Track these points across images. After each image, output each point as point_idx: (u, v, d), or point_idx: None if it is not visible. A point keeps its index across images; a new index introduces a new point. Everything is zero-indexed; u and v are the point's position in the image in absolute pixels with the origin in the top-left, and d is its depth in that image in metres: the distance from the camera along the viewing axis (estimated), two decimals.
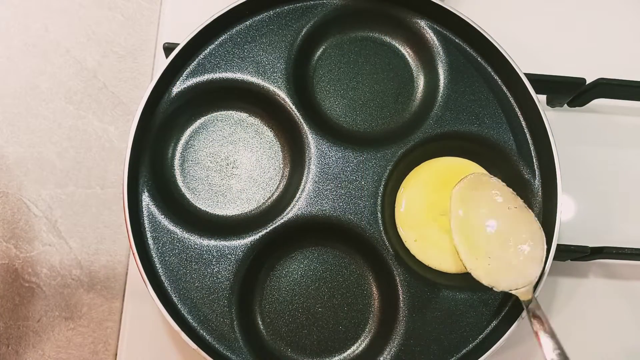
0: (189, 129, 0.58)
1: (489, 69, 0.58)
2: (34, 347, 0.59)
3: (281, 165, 0.58)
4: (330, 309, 0.55)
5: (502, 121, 0.57)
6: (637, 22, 0.68)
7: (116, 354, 0.60)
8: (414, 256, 0.56)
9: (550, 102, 0.64)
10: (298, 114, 0.56)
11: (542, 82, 0.59)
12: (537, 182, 0.56)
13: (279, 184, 0.58)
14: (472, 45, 0.58)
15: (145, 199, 0.54)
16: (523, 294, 0.50)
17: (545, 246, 0.51)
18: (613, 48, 0.67)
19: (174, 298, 0.53)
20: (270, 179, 0.58)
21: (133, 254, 0.51)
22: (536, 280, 0.50)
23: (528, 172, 0.56)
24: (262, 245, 0.54)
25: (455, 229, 0.51)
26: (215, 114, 0.59)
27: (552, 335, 0.46)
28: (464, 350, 0.53)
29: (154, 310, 0.58)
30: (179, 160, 0.58)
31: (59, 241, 0.61)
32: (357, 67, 0.60)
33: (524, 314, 0.50)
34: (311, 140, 0.56)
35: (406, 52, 0.60)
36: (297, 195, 0.55)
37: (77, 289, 0.60)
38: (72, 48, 0.66)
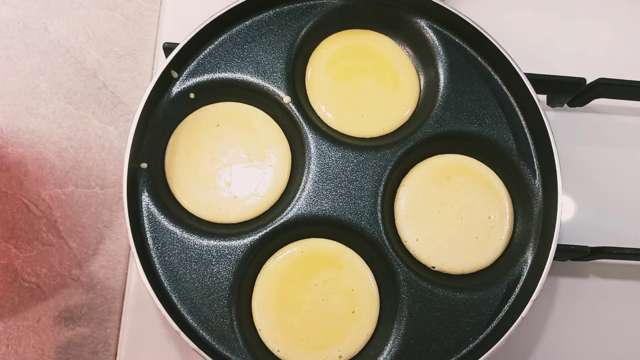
0: None
1: (489, 69, 0.58)
2: (33, 347, 0.59)
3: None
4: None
5: (502, 121, 0.57)
6: (637, 22, 0.68)
7: (116, 354, 0.60)
8: (414, 256, 0.56)
9: (550, 102, 0.64)
10: (298, 114, 0.56)
11: (542, 82, 0.59)
12: (537, 182, 0.56)
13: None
14: (472, 45, 0.58)
15: (145, 199, 0.54)
16: None
17: None
18: (613, 48, 0.67)
19: (174, 298, 0.53)
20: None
21: (133, 254, 0.51)
22: None
23: (528, 172, 0.56)
24: (262, 245, 0.54)
25: None
26: None
27: None
28: (464, 351, 0.53)
29: (153, 310, 0.58)
30: None
31: (59, 241, 0.61)
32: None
33: (524, 313, 0.50)
34: (311, 140, 0.56)
35: (406, 52, 0.60)
36: (297, 195, 0.55)
37: (76, 289, 0.60)
38: (72, 48, 0.66)
